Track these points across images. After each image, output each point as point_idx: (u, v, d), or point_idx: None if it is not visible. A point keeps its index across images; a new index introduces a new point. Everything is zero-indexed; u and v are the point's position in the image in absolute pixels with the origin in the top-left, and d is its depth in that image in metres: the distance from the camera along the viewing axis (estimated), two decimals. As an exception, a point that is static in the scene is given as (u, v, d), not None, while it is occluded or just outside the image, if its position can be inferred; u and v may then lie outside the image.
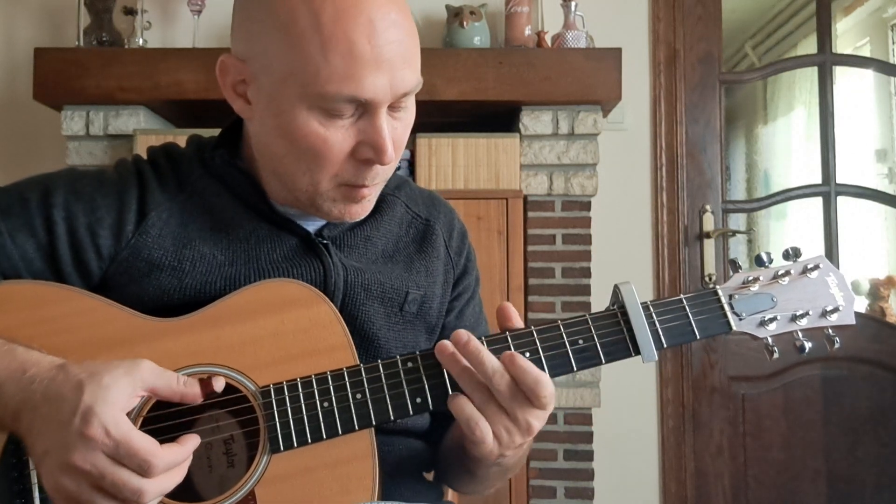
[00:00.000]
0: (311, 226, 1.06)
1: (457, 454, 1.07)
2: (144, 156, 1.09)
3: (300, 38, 0.90)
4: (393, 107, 0.95)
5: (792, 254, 1.01)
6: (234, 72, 0.98)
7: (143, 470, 0.79)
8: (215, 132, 1.10)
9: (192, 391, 0.86)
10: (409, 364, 0.93)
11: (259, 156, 1.03)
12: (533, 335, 0.94)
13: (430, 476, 1.18)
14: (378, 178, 0.99)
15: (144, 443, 0.79)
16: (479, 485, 1.12)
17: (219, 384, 0.88)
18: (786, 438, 2.87)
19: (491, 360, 0.88)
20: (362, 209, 1.02)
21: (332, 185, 0.97)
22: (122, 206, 1.01)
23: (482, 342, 0.92)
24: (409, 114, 1.00)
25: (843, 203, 3.00)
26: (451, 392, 0.92)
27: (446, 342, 0.91)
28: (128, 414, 0.83)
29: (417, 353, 0.94)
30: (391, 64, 0.91)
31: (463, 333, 0.90)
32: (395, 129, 0.96)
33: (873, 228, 3.51)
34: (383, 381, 0.92)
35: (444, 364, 0.91)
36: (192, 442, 0.85)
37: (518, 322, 0.95)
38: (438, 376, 0.92)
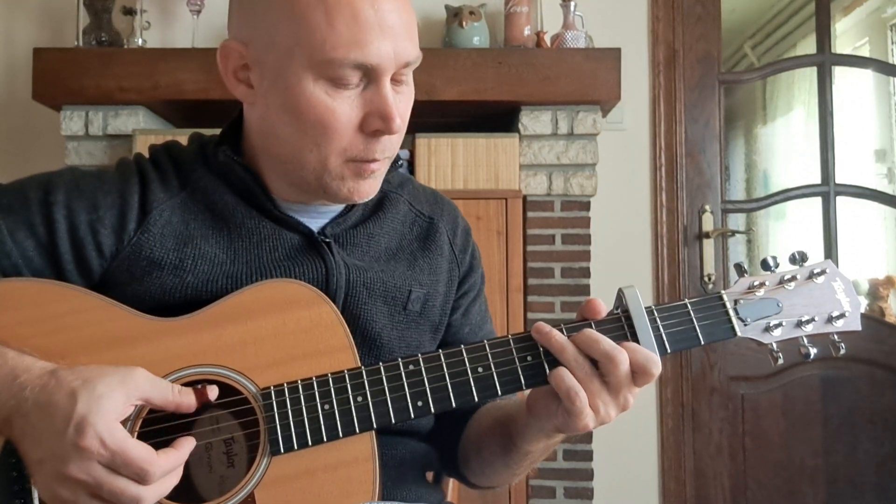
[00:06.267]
0: (314, 224, 1.05)
1: (499, 441, 1.06)
2: (146, 154, 1.09)
3: (304, 9, 0.92)
4: (395, 80, 0.97)
5: (798, 258, 1.00)
6: (236, 56, 0.99)
7: (141, 478, 0.79)
8: (215, 132, 1.10)
9: (186, 400, 0.86)
10: (411, 366, 0.92)
11: (263, 144, 1.03)
12: (534, 338, 0.93)
13: (430, 477, 1.17)
14: (387, 152, 0.99)
15: (140, 451, 0.79)
16: (511, 474, 1.11)
17: (213, 393, 0.88)
18: (785, 438, 2.87)
19: (607, 339, 0.90)
20: (370, 187, 1.01)
21: (341, 160, 0.97)
22: (123, 204, 1.00)
23: (485, 345, 0.93)
24: (410, 89, 1.01)
25: (843, 203, 3.00)
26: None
27: (541, 323, 0.93)
28: (126, 419, 0.83)
29: (419, 355, 0.93)
30: (394, 31, 0.93)
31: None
32: (399, 102, 0.97)
33: (873, 228, 3.51)
34: (384, 383, 0.91)
35: (542, 342, 0.92)
36: (187, 445, 0.85)
37: (602, 312, 0.95)
38: (440, 379, 0.92)
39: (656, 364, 0.90)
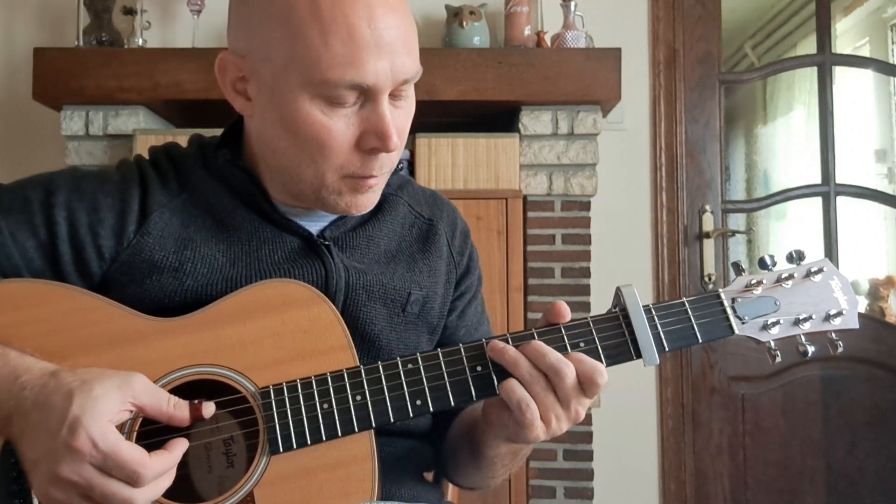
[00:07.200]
0: (314, 226, 1.05)
1: (467, 446, 1.07)
2: (146, 156, 1.09)
3: (300, 25, 0.90)
4: (394, 95, 0.95)
5: (796, 256, 1.00)
6: (234, 69, 0.98)
7: (133, 480, 0.79)
8: (215, 132, 1.10)
9: (180, 414, 0.86)
10: (410, 365, 0.92)
11: (261, 153, 1.03)
12: (534, 338, 0.93)
13: (430, 477, 1.18)
14: (385, 168, 0.98)
15: (133, 453, 0.79)
16: (485, 477, 1.12)
17: (208, 410, 0.87)
18: (785, 438, 2.87)
19: (554, 352, 0.90)
20: (368, 201, 1.01)
21: (337, 177, 0.96)
22: (123, 206, 1.00)
23: (483, 344, 0.93)
24: (409, 103, 0.99)
25: (843, 203, 3.00)
26: (496, 383, 0.92)
27: (495, 341, 0.93)
28: (124, 422, 0.83)
29: (418, 354, 0.93)
30: (391, 48, 0.91)
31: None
32: (397, 118, 0.96)
33: (873, 228, 3.51)
34: (383, 382, 0.92)
35: (496, 358, 0.92)
36: (180, 448, 0.85)
37: (567, 317, 0.96)
38: (439, 378, 0.92)
39: (601, 374, 0.90)
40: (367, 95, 0.93)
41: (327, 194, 0.98)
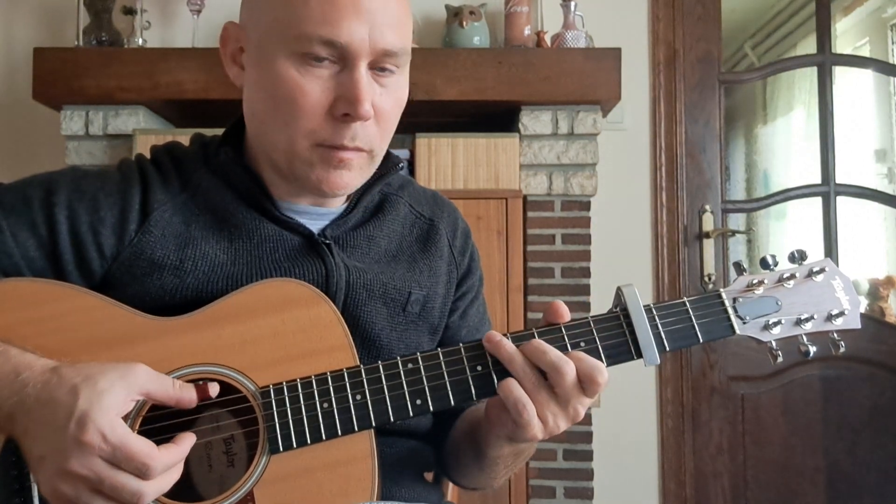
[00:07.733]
0: (315, 225, 1.05)
1: (470, 446, 1.07)
2: (147, 155, 1.09)
3: None
4: (378, 69, 0.96)
5: (797, 256, 1.00)
6: (233, 40, 1.02)
7: (142, 473, 0.79)
8: (215, 132, 1.10)
9: (187, 395, 0.86)
10: (410, 365, 0.92)
11: (250, 129, 1.04)
12: (534, 337, 0.93)
13: (430, 477, 1.18)
14: (358, 140, 0.97)
15: (142, 446, 0.79)
16: (488, 477, 1.12)
17: (213, 389, 0.88)
18: (785, 438, 2.87)
19: (554, 350, 0.90)
20: (340, 179, 0.99)
21: (308, 143, 0.96)
22: (124, 205, 1.00)
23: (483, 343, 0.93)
24: (396, 84, 1.00)
25: (843, 203, 3.00)
26: (496, 382, 0.92)
27: (493, 332, 0.92)
28: (126, 416, 0.83)
29: (418, 354, 0.93)
30: (372, 15, 0.93)
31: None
32: (379, 95, 0.96)
33: (873, 228, 3.51)
34: (383, 382, 0.92)
35: (493, 351, 0.92)
36: (188, 441, 0.85)
37: (566, 316, 0.95)
38: (439, 378, 0.92)
39: (602, 373, 0.90)
40: (344, 61, 0.94)
41: (299, 164, 0.98)
